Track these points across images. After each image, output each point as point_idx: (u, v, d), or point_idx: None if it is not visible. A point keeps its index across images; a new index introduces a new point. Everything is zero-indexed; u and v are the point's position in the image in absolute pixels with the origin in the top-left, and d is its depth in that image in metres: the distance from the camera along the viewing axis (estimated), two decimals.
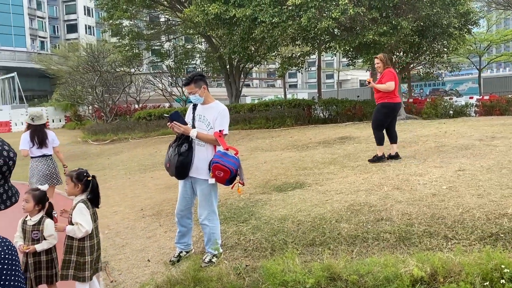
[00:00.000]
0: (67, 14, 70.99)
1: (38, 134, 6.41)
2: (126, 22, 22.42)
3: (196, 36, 22.93)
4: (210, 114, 4.39)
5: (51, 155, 6.63)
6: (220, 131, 4.29)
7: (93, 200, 3.74)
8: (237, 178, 4.27)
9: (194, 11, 15.39)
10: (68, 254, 3.58)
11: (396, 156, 7.63)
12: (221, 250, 4.59)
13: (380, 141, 7.60)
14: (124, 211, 7.14)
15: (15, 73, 44.47)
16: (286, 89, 39.81)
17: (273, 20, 13.75)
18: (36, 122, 6.41)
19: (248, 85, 57.55)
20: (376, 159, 7.60)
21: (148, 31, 23.67)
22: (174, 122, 4.25)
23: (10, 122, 33.32)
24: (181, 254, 4.75)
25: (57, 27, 71.27)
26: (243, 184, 4.34)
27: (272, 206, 5.87)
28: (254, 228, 5.12)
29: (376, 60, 7.56)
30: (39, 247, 3.66)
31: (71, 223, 3.63)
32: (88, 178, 3.69)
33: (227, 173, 4.10)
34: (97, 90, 22.85)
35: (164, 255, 4.95)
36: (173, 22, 23.50)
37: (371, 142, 9.31)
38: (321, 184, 6.66)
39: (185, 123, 4.33)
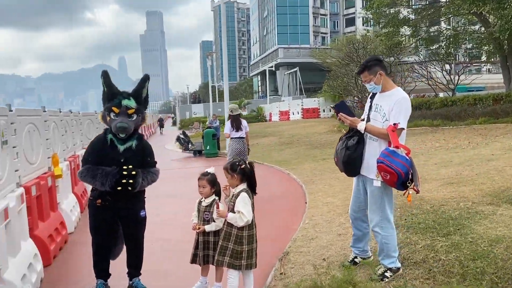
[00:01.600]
0: (346, 9, 74.78)
1: (235, 122, 8.89)
2: (389, 10, 21.77)
3: (466, 16, 20.21)
4: (387, 104, 3.73)
5: (243, 137, 8.93)
6: (394, 124, 3.58)
7: (251, 188, 3.76)
8: (411, 183, 3.48)
9: None
10: (225, 240, 3.68)
11: None
12: (398, 264, 3.89)
13: None
14: (336, 203, 6.98)
15: (297, 68, 50.01)
16: None
17: None
18: (234, 113, 8.99)
19: None
20: None
21: (414, 15, 22.35)
22: (340, 113, 3.80)
23: (289, 112, 37.68)
24: (355, 260, 4.29)
25: (337, 22, 76.06)
26: (417, 192, 3.52)
27: (492, 222, 4.62)
28: (452, 246, 4.13)
29: None
30: (208, 227, 3.93)
31: (232, 210, 3.72)
32: (241, 167, 3.70)
33: (393, 175, 3.40)
34: (357, 81, 23.19)
35: (342, 257, 4.58)
36: (440, 4, 21.36)
37: None
38: None
39: (352, 114, 3.82)
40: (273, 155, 14.60)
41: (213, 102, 45.43)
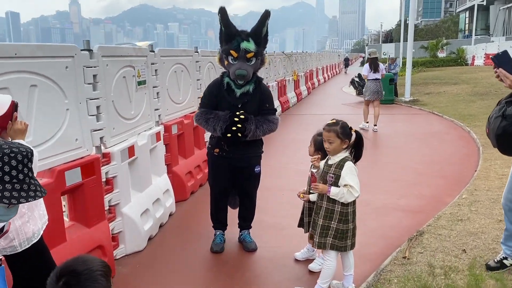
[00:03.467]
0: None
1: (373, 64, 10.02)
2: None
3: None
4: None
5: (379, 79, 10.06)
6: None
7: (356, 155, 3.10)
8: None
9: None
10: (327, 219, 3.10)
11: None
12: None
13: None
14: None
15: None
16: None
17: None
18: (371, 56, 10.18)
19: None
20: None
21: None
22: (500, 67, 2.74)
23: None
24: (505, 261, 3.30)
25: None
26: None
27: None
28: None
29: None
30: (312, 197, 3.45)
31: (332, 183, 3.10)
32: (353, 130, 3.04)
33: None
34: None
35: (490, 252, 3.59)
36: None
37: None
38: None
39: None
40: (458, 107, 12.64)
41: (405, 41, 41.78)
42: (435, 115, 11.94)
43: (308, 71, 20.79)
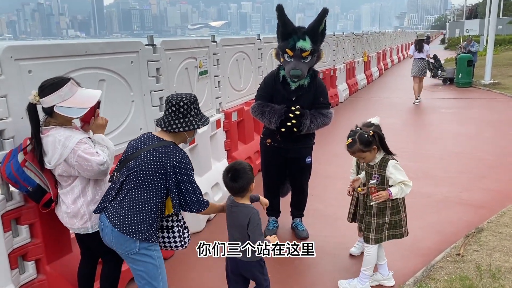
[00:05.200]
0: None
1: (418, 45, 11.35)
2: None
3: None
4: None
5: (424, 58, 11.33)
6: None
7: (386, 151, 3.09)
8: None
9: None
10: (381, 217, 3.12)
11: None
12: None
13: None
14: None
15: None
16: None
17: None
18: (418, 38, 11.64)
19: None
20: None
21: None
22: None
23: None
24: None
25: None
26: None
27: None
28: None
29: None
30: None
31: (377, 183, 3.08)
32: (371, 134, 2.99)
33: None
34: None
35: None
36: None
37: None
38: None
39: None
40: None
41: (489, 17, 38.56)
42: (507, 96, 11.10)
43: (380, 51, 20.07)
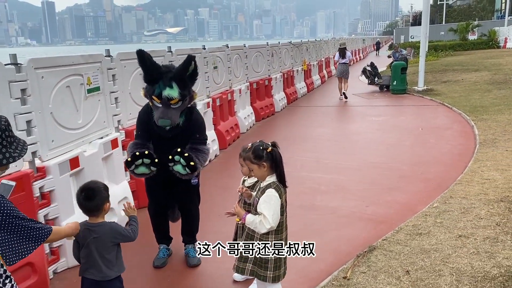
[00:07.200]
0: None
1: (341, 52, 13.52)
2: None
3: None
4: None
5: (347, 63, 13.55)
6: None
7: (280, 179, 2.84)
8: None
9: None
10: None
11: None
12: None
13: None
14: (497, 182, 5.28)
15: None
16: None
17: None
18: (341, 46, 13.33)
19: None
20: None
21: None
22: None
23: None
24: None
25: None
26: None
27: None
28: None
29: None
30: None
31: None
32: (268, 150, 2.80)
33: None
34: None
35: (432, 274, 3.35)
36: None
37: None
38: None
39: None
40: (471, 98, 12.02)
41: (434, 23, 40.07)
42: (445, 107, 11.42)
43: (323, 59, 20.32)
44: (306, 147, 7.92)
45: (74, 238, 2.61)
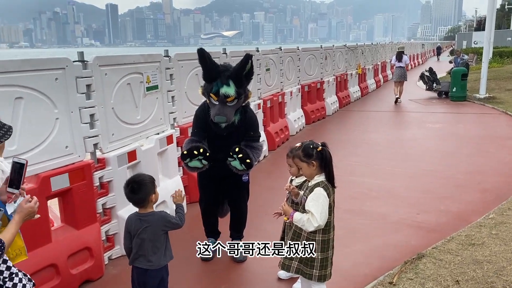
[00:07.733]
0: None
1: (399, 55, 13.84)
2: None
3: None
4: None
5: (403, 66, 13.80)
6: None
7: (329, 179, 2.85)
8: None
9: None
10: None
11: None
12: None
13: None
14: None
15: None
16: None
17: None
18: (399, 50, 12.89)
19: None
20: None
21: None
22: None
23: None
24: None
25: None
26: None
27: None
28: None
29: None
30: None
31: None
32: (318, 149, 2.81)
33: None
34: None
35: (483, 285, 3.22)
36: None
37: None
38: None
39: None
40: None
41: (500, 29, 38.02)
42: (508, 116, 10.84)
43: (379, 63, 19.89)
44: (357, 152, 7.81)
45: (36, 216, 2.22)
